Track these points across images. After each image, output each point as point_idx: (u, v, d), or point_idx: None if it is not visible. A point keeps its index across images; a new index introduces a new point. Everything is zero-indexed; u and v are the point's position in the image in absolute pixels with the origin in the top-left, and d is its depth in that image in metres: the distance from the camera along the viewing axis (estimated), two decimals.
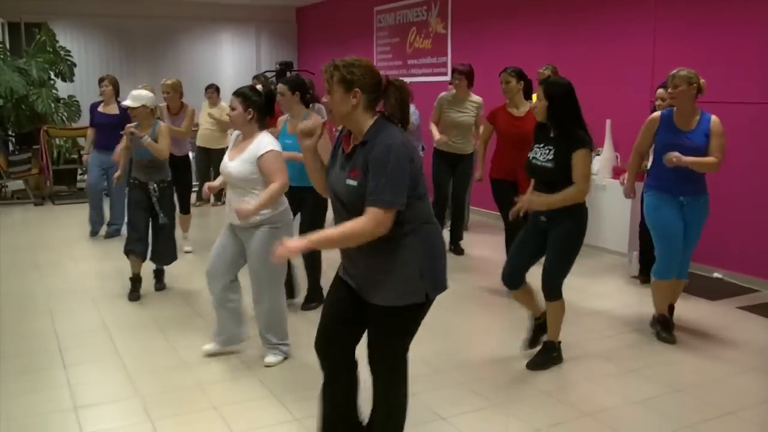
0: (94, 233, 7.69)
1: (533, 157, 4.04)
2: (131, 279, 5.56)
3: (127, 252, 5.45)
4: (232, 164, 3.90)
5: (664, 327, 4.65)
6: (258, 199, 3.81)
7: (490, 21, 8.78)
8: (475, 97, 6.54)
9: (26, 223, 8.78)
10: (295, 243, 2.55)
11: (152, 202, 5.42)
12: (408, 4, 10.40)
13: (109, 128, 7.28)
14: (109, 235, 7.63)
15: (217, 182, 4.19)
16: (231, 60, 13.38)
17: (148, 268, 5.68)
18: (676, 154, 4.24)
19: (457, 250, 6.94)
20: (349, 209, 2.57)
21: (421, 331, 2.76)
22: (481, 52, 8.75)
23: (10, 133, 10.52)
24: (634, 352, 4.45)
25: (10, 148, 10.42)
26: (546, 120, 3.99)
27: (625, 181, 4.87)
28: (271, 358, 4.16)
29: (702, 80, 4.36)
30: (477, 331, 4.94)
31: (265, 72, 11.10)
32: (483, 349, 4.50)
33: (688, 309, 5.18)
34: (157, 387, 3.90)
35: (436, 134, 6.42)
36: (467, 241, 7.12)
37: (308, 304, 5.15)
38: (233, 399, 3.75)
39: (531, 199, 3.99)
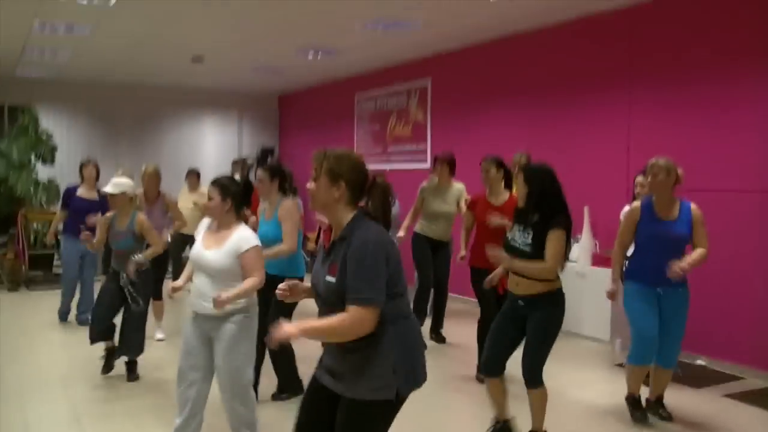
0: (64, 318, 7.56)
1: (512, 239, 4.05)
2: (103, 357, 5.58)
3: (90, 340, 5.47)
4: (210, 254, 3.81)
5: (635, 407, 4.71)
6: (234, 290, 3.74)
7: (469, 108, 8.97)
8: (457, 185, 6.59)
9: (2, 308, 8.58)
10: (292, 328, 2.48)
11: (125, 292, 5.38)
12: (388, 93, 10.62)
13: (87, 214, 7.04)
14: (81, 323, 7.35)
15: (181, 281, 4.06)
16: (213, 144, 13.49)
17: (120, 360, 5.61)
18: (678, 267, 4.23)
19: (439, 338, 6.85)
20: (328, 305, 2.56)
21: (403, 420, 2.68)
22: (460, 139, 8.89)
23: None
24: None
25: None
26: (526, 206, 4.02)
27: (612, 280, 4.81)
28: None
29: (680, 169, 4.44)
30: (459, 421, 4.83)
31: (244, 158, 11.18)
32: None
33: (673, 397, 5.11)
34: None
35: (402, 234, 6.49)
36: (448, 328, 7.05)
37: (279, 395, 5.01)
38: None
39: (499, 255, 4.02)
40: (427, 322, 6.93)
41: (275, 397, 5.01)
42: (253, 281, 3.79)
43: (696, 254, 4.36)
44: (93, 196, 7.39)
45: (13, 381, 5.51)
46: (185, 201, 8.81)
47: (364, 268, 2.45)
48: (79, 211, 7.23)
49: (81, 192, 7.40)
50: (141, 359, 5.67)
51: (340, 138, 11.32)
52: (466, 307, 8.38)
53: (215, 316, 3.80)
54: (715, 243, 5.88)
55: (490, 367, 4.14)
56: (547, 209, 3.96)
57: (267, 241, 4.43)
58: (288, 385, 4.99)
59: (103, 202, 7.17)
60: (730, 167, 5.91)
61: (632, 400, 4.72)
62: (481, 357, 4.16)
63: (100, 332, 5.44)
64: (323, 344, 2.74)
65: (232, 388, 3.85)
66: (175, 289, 3.99)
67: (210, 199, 3.88)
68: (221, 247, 3.81)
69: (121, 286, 5.37)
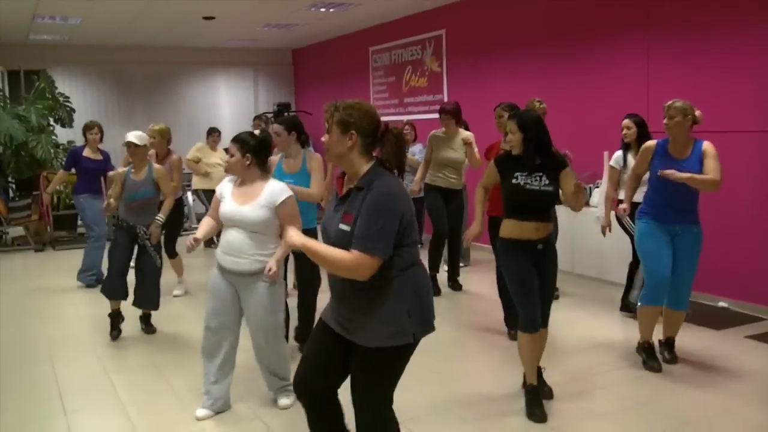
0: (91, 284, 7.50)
1: (526, 183, 3.95)
2: (110, 315, 5.58)
3: (105, 294, 5.52)
4: (246, 209, 3.83)
5: (649, 355, 4.67)
6: (277, 253, 3.87)
7: (485, 57, 8.86)
8: (465, 133, 6.56)
9: (27, 270, 8.75)
10: (297, 238, 2.59)
11: (139, 244, 5.44)
12: (403, 44, 10.51)
13: (96, 173, 7.38)
14: (89, 285, 7.40)
15: (199, 234, 4.03)
16: (229, 103, 13.49)
17: (135, 312, 5.73)
18: (672, 171, 4.25)
19: (455, 286, 6.92)
20: (344, 245, 2.57)
21: (420, 371, 2.73)
22: (477, 89, 8.82)
23: (9, 179, 10.55)
24: (640, 385, 4.39)
25: (10, 194, 10.44)
26: (523, 151, 3.99)
27: (616, 202, 4.89)
28: (284, 401, 4.10)
29: (697, 111, 4.38)
30: (476, 370, 4.89)
31: (265, 113, 11.17)
32: (484, 387, 4.41)
33: (693, 339, 5.14)
34: None
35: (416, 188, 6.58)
36: (467, 278, 7.10)
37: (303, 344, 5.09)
38: None
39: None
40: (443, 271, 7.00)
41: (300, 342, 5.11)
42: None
43: (701, 176, 4.28)
44: (98, 156, 7.50)
45: (43, 340, 5.64)
46: (210, 158, 8.86)
47: (378, 220, 2.50)
48: (90, 171, 7.41)
49: (87, 153, 7.46)
50: (156, 313, 5.78)
51: (355, 91, 11.27)
52: (486, 255, 8.41)
53: (248, 273, 3.85)
54: (735, 184, 5.84)
55: (536, 322, 3.96)
56: (545, 153, 3.99)
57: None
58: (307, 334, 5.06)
59: (107, 161, 7.34)
60: (750, 109, 5.81)
61: (645, 348, 4.67)
62: (523, 315, 3.95)
63: (118, 288, 5.47)
64: (333, 294, 2.75)
65: (267, 339, 3.96)
66: (197, 240, 3.96)
67: (231, 155, 3.91)
68: (255, 200, 3.84)
69: (138, 240, 5.42)
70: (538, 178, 3.97)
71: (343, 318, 2.68)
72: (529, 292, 3.94)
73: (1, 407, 4.28)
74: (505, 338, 5.36)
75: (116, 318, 5.57)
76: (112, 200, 5.51)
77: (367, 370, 2.67)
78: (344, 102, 2.65)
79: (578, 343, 5.22)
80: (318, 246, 2.57)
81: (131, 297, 5.58)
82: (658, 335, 4.85)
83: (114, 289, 5.47)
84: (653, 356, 4.65)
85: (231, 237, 3.88)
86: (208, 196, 8.72)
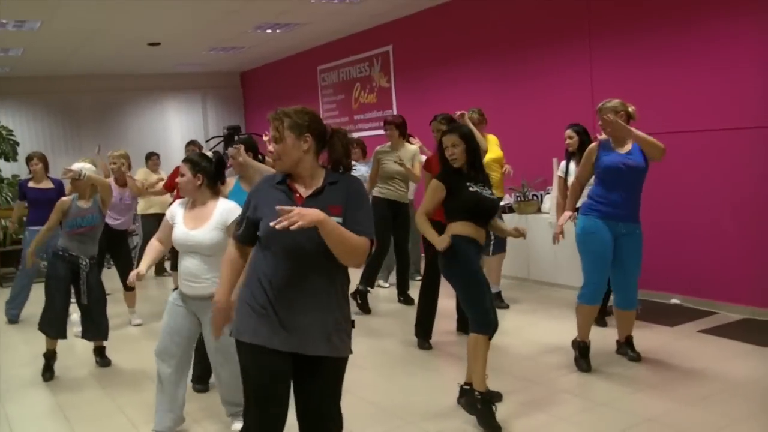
0: (12, 320, 7.31)
1: (482, 191, 3.99)
2: (45, 355, 5.34)
3: (43, 332, 5.25)
4: (198, 233, 3.77)
5: (581, 353, 4.71)
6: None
7: (432, 71, 8.94)
8: (411, 146, 6.62)
9: None
10: (316, 214, 2.36)
11: (78, 278, 5.24)
12: (350, 61, 10.55)
13: (45, 203, 6.86)
14: (12, 320, 7.26)
15: (143, 267, 3.95)
16: (179, 128, 13.36)
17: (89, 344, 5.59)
18: (619, 122, 4.33)
19: (407, 301, 6.90)
20: (317, 252, 2.48)
21: (368, 389, 2.70)
22: (426, 102, 8.88)
23: None
24: (600, 386, 4.43)
25: None
26: (467, 163, 4.02)
27: (564, 209, 4.91)
28: (237, 425, 4.01)
29: (631, 107, 4.46)
30: (427, 385, 4.87)
31: (212, 138, 11.10)
32: (437, 404, 4.33)
33: (649, 336, 5.20)
34: None
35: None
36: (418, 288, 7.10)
37: None
38: None
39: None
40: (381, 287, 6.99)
41: None
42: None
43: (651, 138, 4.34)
44: (47, 185, 7.23)
45: None
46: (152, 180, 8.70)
47: (367, 207, 2.61)
48: (36, 202, 7.13)
49: (32, 183, 7.24)
50: (118, 345, 5.65)
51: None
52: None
53: (206, 297, 3.76)
54: (682, 182, 5.97)
55: (496, 325, 3.96)
56: (479, 162, 4.08)
57: None
58: None
59: (59, 190, 7.10)
60: (693, 109, 5.95)
61: (580, 346, 4.71)
62: (482, 317, 3.91)
63: (57, 326, 5.22)
64: (287, 308, 2.55)
65: (225, 365, 3.90)
66: (139, 276, 3.90)
67: (182, 176, 3.85)
68: (206, 224, 3.78)
69: (74, 270, 5.22)
70: (482, 188, 4.02)
71: (299, 333, 2.55)
72: (485, 291, 3.94)
73: None
74: (455, 348, 5.37)
75: (51, 358, 5.35)
76: (44, 228, 5.33)
77: (337, 383, 2.67)
78: (292, 108, 2.64)
79: (535, 348, 5.25)
80: (335, 224, 2.44)
81: (73, 331, 5.39)
82: (611, 337, 4.91)
83: (53, 327, 5.22)
84: (585, 355, 4.68)
85: (187, 262, 3.83)
86: (143, 219, 8.63)
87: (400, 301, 6.95)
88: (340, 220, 2.50)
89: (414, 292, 6.91)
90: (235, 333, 2.63)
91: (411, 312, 6.48)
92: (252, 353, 2.57)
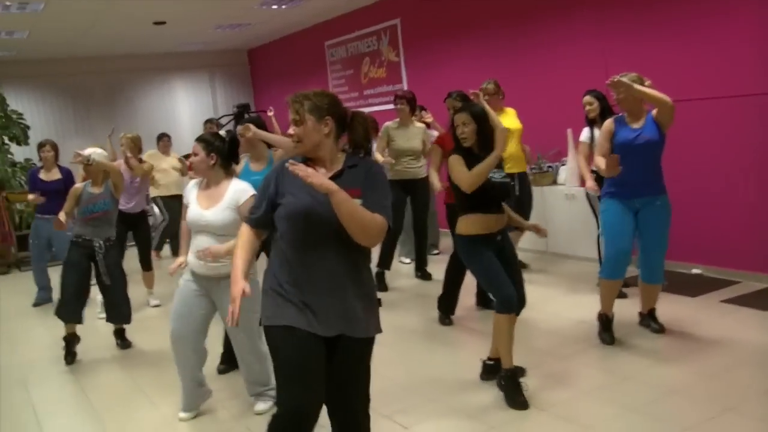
0: (38, 303, 7.43)
1: (491, 177, 3.92)
2: (65, 339, 5.35)
3: (59, 317, 5.26)
4: (210, 213, 3.76)
5: (604, 327, 4.68)
6: (232, 241, 3.70)
7: (441, 43, 8.83)
8: (419, 124, 6.56)
9: None
10: (330, 183, 2.37)
11: (95, 261, 5.24)
12: (358, 36, 10.44)
13: (53, 194, 6.98)
14: (37, 303, 7.41)
15: (183, 256, 4.03)
16: (187, 108, 13.30)
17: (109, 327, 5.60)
18: (616, 77, 4.21)
19: (425, 276, 6.88)
20: (338, 233, 2.45)
21: (389, 364, 2.68)
22: (436, 76, 8.78)
23: None
24: (623, 359, 4.40)
25: None
26: (478, 142, 3.96)
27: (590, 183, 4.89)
28: (261, 406, 4.05)
29: (647, 81, 4.38)
30: (449, 359, 4.85)
31: (222, 116, 11.01)
32: (460, 376, 4.33)
33: (671, 307, 5.16)
34: None
35: (380, 158, 6.30)
36: (437, 267, 7.06)
37: None
38: None
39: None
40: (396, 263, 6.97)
41: None
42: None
43: (656, 92, 4.25)
44: (54, 176, 7.21)
45: (15, 364, 5.50)
46: (162, 164, 8.67)
47: (385, 188, 2.58)
48: (47, 193, 7.11)
49: (42, 175, 7.23)
50: (141, 326, 5.66)
51: (314, 86, 10.99)
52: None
53: (219, 276, 3.78)
54: (704, 150, 5.89)
55: (515, 302, 3.91)
56: (490, 140, 3.96)
57: None
58: None
59: (67, 180, 7.08)
60: (709, 76, 5.85)
61: (603, 319, 4.68)
62: (500, 296, 3.91)
63: (73, 311, 5.22)
64: (333, 288, 2.53)
65: (247, 345, 3.91)
66: (182, 265, 3.97)
67: (195, 155, 3.83)
68: (219, 203, 3.77)
69: (91, 256, 5.23)
70: (494, 171, 3.95)
71: (348, 312, 2.54)
72: (499, 274, 3.91)
73: None
74: (475, 323, 5.36)
75: (71, 342, 5.36)
76: (62, 216, 5.25)
77: (365, 363, 2.66)
78: (310, 91, 2.61)
79: (555, 321, 5.22)
80: (348, 196, 2.40)
81: (96, 312, 5.42)
82: (632, 308, 4.88)
83: (69, 312, 5.22)
84: (608, 329, 4.66)
85: (200, 242, 3.80)
86: (165, 202, 8.58)
87: (417, 276, 6.93)
88: (359, 202, 2.47)
89: (431, 267, 6.93)
90: (264, 320, 2.60)
91: (429, 287, 6.53)
92: (285, 335, 2.52)
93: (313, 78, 11.55)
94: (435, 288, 6.32)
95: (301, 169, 2.34)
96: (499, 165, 4.01)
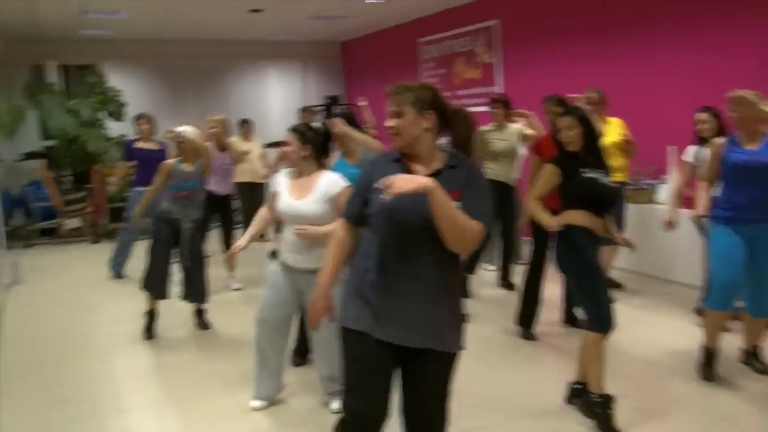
0: (116, 275, 7.58)
1: (598, 179, 3.75)
2: (145, 315, 5.43)
3: (146, 290, 5.34)
4: (302, 203, 3.73)
5: (707, 360, 4.36)
6: (331, 225, 3.62)
7: (540, 47, 8.58)
8: (514, 126, 6.38)
9: (82, 262, 8.79)
10: (427, 180, 2.22)
11: (182, 241, 5.30)
12: (453, 35, 10.28)
13: (152, 163, 7.05)
14: (117, 276, 7.57)
15: (244, 241, 4.02)
16: (278, 96, 13.40)
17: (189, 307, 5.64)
18: None
19: (509, 286, 6.69)
20: (429, 236, 2.34)
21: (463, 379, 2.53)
22: (533, 79, 8.55)
23: (65, 172, 10.66)
24: (725, 398, 4.09)
25: (66, 187, 10.56)
26: (583, 146, 3.81)
27: (700, 208, 4.63)
28: (336, 404, 3.96)
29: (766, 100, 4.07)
30: (527, 378, 4.65)
31: (312, 106, 11.02)
32: (538, 398, 4.13)
33: None
34: None
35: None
36: (521, 274, 6.86)
37: None
38: None
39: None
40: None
41: None
42: None
43: None
44: (153, 146, 7.42)
45: (99, 333, 5.61)
46: (244, 148, 8.68)
47: (486, 193, 2.46)
48: (143, 161, 7.30)
49: (140, 144, 7.44)
50: (219, 308, 5.69)
51: (405, 80, 11.06)
52: None
53: (309, 270, 3.74)
54: None
55: (614, 322, 3.71)
56: (594, 150, 3.83)
57: None
58: None
59: (164, 151, 7.21)
60: None
61: (705, 353, 4.36)
62: (598, 314, 3.67)
63: (159, 286, 5.29)
64: (410, 297, 2.42)
65: (326, 343, 3.84)
66: (237, 248, 3.99)
67: (288, 145, 3.82)
68: (310, 194, 3.73)
69: (177, 234, 5.30)
70: (601, 174, 3.79)
71: (431, 322, 2.43)
72: (600, 285, 3.71)
73: (63, 400, 4.26)
74: (559, 340, 5.16)
75: (151, 317, 5.44)
76: (150, 189, 5.45)
77: (445, 380, 2.52)
78: (413, 83, 2.50)
79: (649, 348, 4.94)
80: (447, 197, 2.27)
81: (173, 290, 5.48)
82: (732, 343, 4.58)
83: (155, 288, 5.30)
84: (711, 363, 4.34)
85: (290, 234, 3.79)
86: (241, 188, 8.42)
87: (500, 285, 6.75)
88: (458, 205, 2.34)
89: (516, 277, 6.72)
90: (340, 320, 2.53)
91: (513, 298, 6.30)
92: (353, 340, 2.46)
93: (405, 75, 11.45)
94: (517, 299, 6.14)
95: (392, 187, 2.19)
96: (605, 169, 3.85)
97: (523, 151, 6.44)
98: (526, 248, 7.60)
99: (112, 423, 3.93)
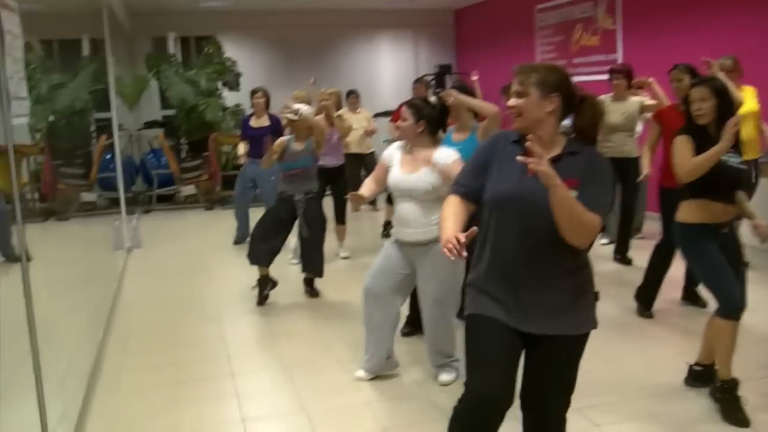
0: (237, 242, 7.76)
1: (727, 158, 3.45)
2: (258, 281, 5.51)
3: (248, 259, 5.40)
4: (414, 177, 3.70)
5: None
6: None
7: (666, 12, 8.09)
8: (635, 99, 6.09)
9: (197, 227, 9.12)
10: (548, 167, 2.12)
11: (296, 215, 5.35)
12: (572, 1, 9.87)
13: (260, 141, 7.24)
14: (237, 241, 7.75)
15: (364, 190, 3.93)
16: (389, 66, 13.34)
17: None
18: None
19: (625, 261, 6.45)
20: (546, 222, 2.22)
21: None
22: (657, 47, 8.09)
23: (182, 141, 11.06)
24: None
25: (183, 155, 10.95)
26: (715, 121, 3.50)
27: None
28: (445, 377, 3.91)
29: None
30: (646, 356, 4.39)
31: (425, 76, 10.89)
32: (658, 376, 3.94)
33: None
34: (325, 403, 3.74)
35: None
36: (638, 252, 6.54)
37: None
38: (404, 421, 3.52)
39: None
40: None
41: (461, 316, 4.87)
42: None
43: None
44: (263, 123, 7.48)
45: (212, 298, 5.77)
46: (352, 122, 8.68)
47: (610, 187, 2.38)
48: (254, 139, 7.40)
49: (252, 122, 7.53)
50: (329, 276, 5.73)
51: (519, 51, 10.76)
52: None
53: (421, 243, 3.71)
54: None
55: (741, 307, 3.49)
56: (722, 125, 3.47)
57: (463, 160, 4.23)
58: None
59: (275, 127, 7.30)
60: None
61: None
62: (724, 300, 3.46)
63: (259, 255, 5.34)
64: (532, 283, 2.33)
65: (438, 314, 3.80)
66: (357, 197, 3.85)
67: (404, 120, 3.77)
68: (422, 168, 3.70)
69: (293, 210, 5.34)
70: (731, 154, 3.48)
71: (556, 307, 2.34)
72: (724, 273, 3.47)
73: (176, 362, 4.40)
74: (679, 319, 4.90)
75: (264, 284, 5.51)
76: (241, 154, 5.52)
77: (571, 365, 2.42)
78: (540, 64, 2.40)
79: None
80: (569, 193, 2.18)
81: (288, 258, 5.55)
82: None
83: (255, 256, 5.36)
84: None
85: (402, 209, 3.78)
86: (348, 159, 8.28)
87: (616, 260, 6.49)
88: (575, 194, 2.22)
89: (633, 252, 6.45)
90: (467, 310, 2.46)
91: (628, 273, 6.09)
92: (484, 324, 2.37)
93: (520, 43, 11.13)
94: (634, 275, 5.86)
95: (537, 150, 2.10)
96: (737, 149, 3.54)
97: (640, 127, 6.14)
98: (652, 224, 7.34)
99: (222, 386, 4.02)
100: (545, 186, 2.14)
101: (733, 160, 3.49)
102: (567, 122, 2.41)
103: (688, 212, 3.60)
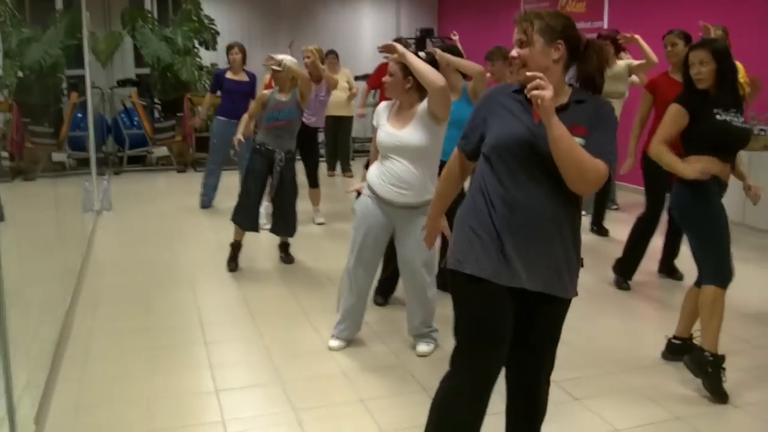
0: (205, 206, 7.59)
1: (732, 120, 3.40)
2: (231, 245, 5.41)
3: (236, 222, 5.30)
4: (405, 132, 3.55)
5: None
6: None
7: None
8: (622, 61, 6.11)
9: (169, 190, 8.94)
10: (556, 119, 2.07)
11: (274, 172, 5.21)
12: None
13: (238, 95, 7.18)
14: (204, 206, 7.61)
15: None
16: (370, 29, 13.10)
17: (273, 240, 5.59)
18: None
19: (601, 232, 6.43)
20: (552, 173, 2.16)
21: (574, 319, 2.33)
22: (643, 15, 8.02)
23: (155, 101, 10.79)
24: None
25: (156, 115, 10.69)
26: (716, 85, 3.43)
27: None
28: (424, 347, 3.86)
29: None
30: (624, 328, 4.41)
31: (401, 38, 10.69)
32: (636, 349, 3.90)
33: None
34: (300, 373, 3.66)
35: None
36: (614, 223, 6.52)
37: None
38: (381, 392, 3.45)
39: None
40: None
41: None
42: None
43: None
44: (243, 78, 7.33)
45: (185, 264, 5.65)
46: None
47: (613, 132, 2.25)
48: (231, 92, 7.27)
49: (230, 75, 7.34)
50: (303, 242, 5.65)
51: (504, 17, 10.60)
52: (635, 198, 7.78)
53: (410, 206, 3.61)
54: None
55: (731, 275, 3.45)
56: (728, 88, 3.44)
57: (456, 122, 4.11)
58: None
59: (253, 84, 7.15)
60: None
61: None
62: (719, 267, 3.42)
63: (250, 219, 5.27)
64: (537, 242, 2.23)
65: (424, 282, 3.73)
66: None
67: (390, 75, 3.61)
68: (411, 122, 3.56)
69: (271, 165, 5.21)
70: (734, 114, 3.42)
71: (555, 265, 2.26)
72: (725, 236, 3.43)
73: (148, 328, 4.30)
74: (656, 292, 4.89)
75: (237, 249, 5.43)
76: (246, 116, 5.41)
77: (559, 328, 2.42)
78: (543, 10, 2.27)
79: (756, 304, 4.63)
80: (569, 134, 2.10)
81: (261, 223, 5.47)
82: None
83: (247, 220, 5.27)
84: None
85: (395, 167, 3.59)
86: (328, 121, 8.23)
87: (592, 231, 6.48)
88: (582, 142, 2.14)
89: (608, 223, 6.44)
90: (453, 262, 2.31)
91: (605, 244, 6.08)
92: (474, 287, 2.26)
93: (505, 8, 10.95)
94: (610, 246, 5.88)
95: (540, 78, 2.03)
96: (739, 109, 3.48)
97: (625, 89, 6.08)
98: (627, 195, 7.32)
99: (196, 354, 3.92)
100: (544, 121, 2.08)
101: (737, 121, 3.44)
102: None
103: (705, 164, 3.42)
